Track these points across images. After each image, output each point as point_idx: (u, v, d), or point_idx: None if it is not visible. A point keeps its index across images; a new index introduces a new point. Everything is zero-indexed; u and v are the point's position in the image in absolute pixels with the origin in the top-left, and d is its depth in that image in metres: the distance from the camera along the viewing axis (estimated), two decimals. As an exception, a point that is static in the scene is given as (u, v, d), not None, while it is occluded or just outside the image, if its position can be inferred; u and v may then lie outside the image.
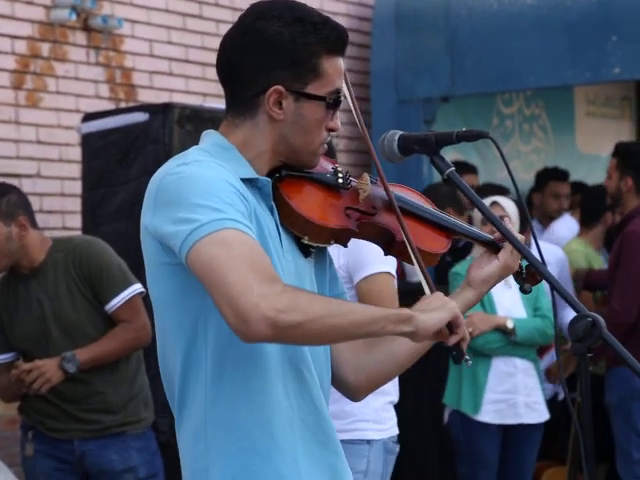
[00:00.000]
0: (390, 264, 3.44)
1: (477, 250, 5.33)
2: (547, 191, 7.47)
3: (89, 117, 5.39)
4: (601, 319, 2.06)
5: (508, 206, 5.27)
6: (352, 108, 2.32)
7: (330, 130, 2.27)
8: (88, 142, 5.31)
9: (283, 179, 2.27)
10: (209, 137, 2.28)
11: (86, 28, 6.12)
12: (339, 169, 2.34)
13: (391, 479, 3.71)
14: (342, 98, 2.26)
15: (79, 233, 5.37)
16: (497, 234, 2.40)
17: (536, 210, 7.61)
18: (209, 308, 2.10)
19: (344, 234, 2.29)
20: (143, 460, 4.29)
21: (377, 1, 7.81)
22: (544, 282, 2.22)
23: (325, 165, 2.34)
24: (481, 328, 5.20)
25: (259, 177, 2.23)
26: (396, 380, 3.62)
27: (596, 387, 5.58)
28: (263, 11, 2.23)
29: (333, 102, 2.24)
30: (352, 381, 2.37)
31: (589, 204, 6.71)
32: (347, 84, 2.30)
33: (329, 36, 2.21)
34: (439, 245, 2.38)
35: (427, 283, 2.23)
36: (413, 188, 2.46)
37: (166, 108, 5.11)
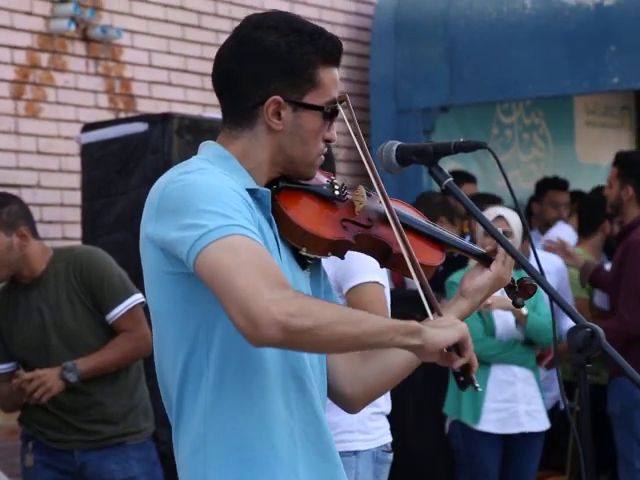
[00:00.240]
0: (380, 274, 3.41)
1: (472, 262, 5.33)
2: (546, 200, 7.48)
3: (88, 127, 5.39)
4: (600, 329, 2.06)
5: (512, 219, 5.26)
6: (350, 129, 2.32)
7: (327, 141, 2.28)
8: (88, 152, 5.32)
9: (280, 191, 2.28)
10: (208, 148, 2.28)
11: (85, 38, 6.13)
12: (335, 181, 2.35)
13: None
14: (338, 108, 2.27)
15: (79, 243, 5.38)
16: (489, 248, 2.41)
17: (535, 219, 7.61)
18: (212, 316, 2.10)
19: (341, 246, 2.29)
20: (143, 470, 4.28)
21: (376, 11, 7.82)
22: (542, 290, 2.22)
23: (320, 178, 2.35)
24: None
25: (259, 188, 2.23)
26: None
27: (598, 397, 5.59)
28: (259, 22, 2.24)
29: (330, 112, 2.25)
30: (349, 393, 2.37)
31: (587, 213, 6.71)
32: (349, 106, 2.30)
33: (325, 46, 2.23)
34: (434, 258, 2.39)
35: (425, 294, 2.22)
36: (411, 198, 2.46)
37: (165, 118, 5.12)
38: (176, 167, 2.20)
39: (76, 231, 5.63)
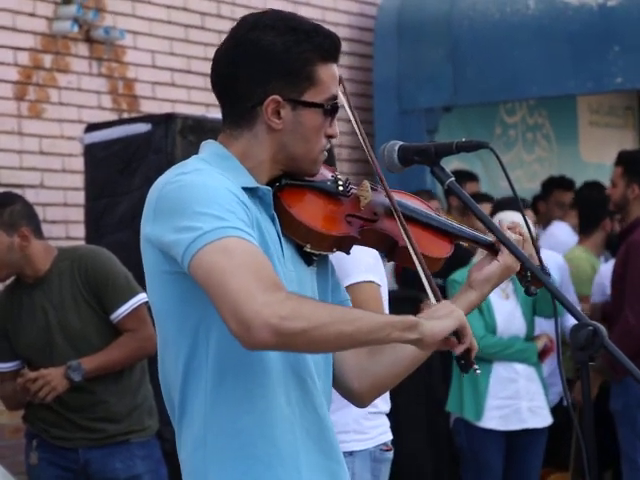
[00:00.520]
0: (376, 273, 3.38)
1: (478, 256, 5.34)
2: (552, 199, 7.48)
3: (92, 128, 5.40)
4: (602, 328, 2.06)
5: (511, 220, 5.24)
6: (350, 115, 2.32)
7: (329, 137, 2.28)
8: (91, 152, 5.32)
9: (283, 188, 2.27)
10: (208, 147, 2.29)
11: (88, 39, 6.13)
12: (339, 177, 2.34)
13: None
14: (339, 105, 2.27)
15: (83, 243, 5.38)
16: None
17: (541, 218, 7.60)
18: (211, 316, 2.10)
19: (346, 241, 2.29)
20: (147, 468, 4.29)
21: (379, 12, 7.83)
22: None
23: (325, 173, 2.34)
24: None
25: (259, 186, 2.23)
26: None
27: (601, 394, 5.59)
28: (256, 22, 2.23)
29: (330, 109, 2.25)
30: (356, 387, 2.37)
31: (587, 210, 6.69)
32: (346, 94, 2.31)
33: (322, 44, 2.22)
34: (442, 250, 2.38)
35: (431, 288, 2.22)
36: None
37: (168, 119, 5.12)
38: (174, 167, 2.20)
39: (79, 231, 5.64)
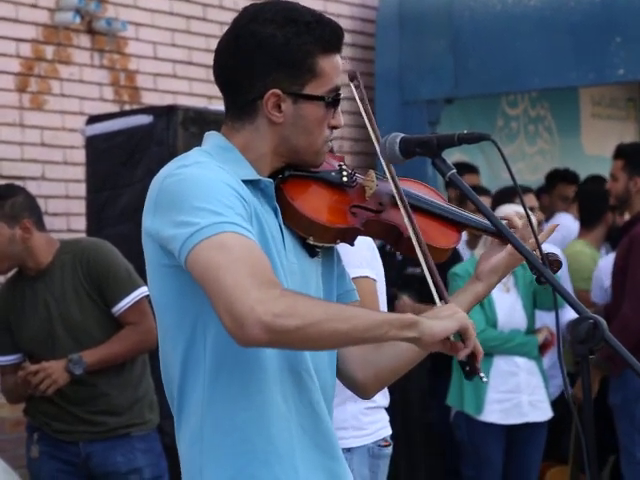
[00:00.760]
0: (372, 267, 3.33)
1: (479, 249, 5.34)
2: (555, 193, 7.45)
3: (93, 119, 5.40)
4: (603, 321, 2.06)
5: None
6: (360, 106, 2.31)
7: (333, 127, 2.26)
8: (92, 144, 5.32)
9: (287, 179, 2.26)
10: (211, 138, 2.28)
11: (90, 31, 6.13)
12: (344, 167, 2.32)
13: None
14: (342, 95, 2.26)
15: (84, 235, 5.38)
16: (506, 223, 2.39)
17: (543, 211, 7.58)
18: (208, 311, 2.10)
19: (350, 233, 2.27)
20: (148, 462, 4.30)
21: (381, 3, 7.82)
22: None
23: (332, 162, 2.32)
24: None
25: (261, 178, 2.22)
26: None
27: (602, 389, 5.59)
28: (255, 14, 2.22)
29: (332, 101, 2.23)
30: (360, 378, 2.36)
31: (589, 204, 6.67)
32: (359, 82, 2.29)
33: (323, 35, 2.20)
34: (449, 240, 2.36)
35: (433, 281, 2.20)
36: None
37: (170, 110, 5.12)
38: (175, 160, 2.20)
39: (81, 223, 5.64)
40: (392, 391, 3.46)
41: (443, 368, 5.54)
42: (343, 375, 2.36)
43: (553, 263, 2.33)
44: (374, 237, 2.33)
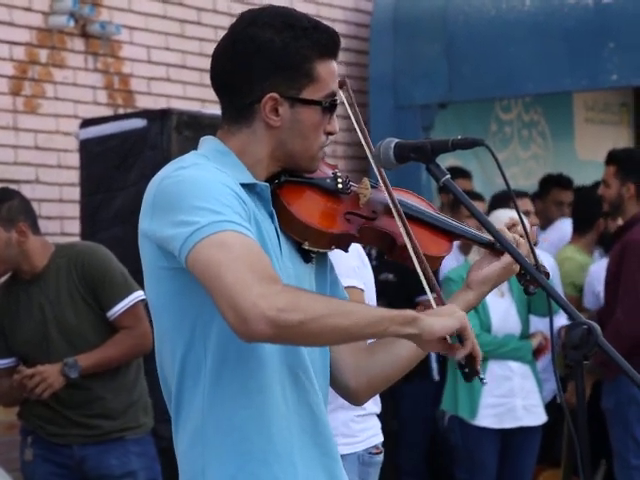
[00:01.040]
0: (359, 277, 3.32)
1: (473, 255, 5.34)
2: (549, 198, 7.45)
3: (87, 123, 5.40)
4: (597, 326, 2.06)
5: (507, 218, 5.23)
6: (351, 113, 2.32)
7: (328, 133, 2.27)
8: (86, 148, 5.32)
9: (283, 185, 2.27)
10: (207, 143, 2.29)
11: (84, 34, 6.13)
12: (339, 174, 2.34)
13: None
14: (338, 101, 2.27)
15: (78, 239, 5.38)
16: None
17: (537, 216, 7.59)
18: (208, 311, 2.11)
19: (344, 239, 2.29)
20: (142, 465, 4.30)
21: (375, 7, 7.82)
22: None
23: (325, 170, 2.34)
24: None
25: (257, 182, 2.23)
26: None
27: (595, 393, 5.60)
28: (253, 19, 2.23)
29: (329, 106, 2.24)
30: (353, 385, 2.37)
31: (582, 210, 6.69)
32: (348, 90, 2.31)
33: (320, 40, 2.22)
34: (440, 248, 2.38)
35: (429, 286, 2.22)
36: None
37: (164, 114, 5.12)
38: (172, 162, 2.21)
39: (75, 227, 5.63)
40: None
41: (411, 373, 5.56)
42: (336, 382, 2.37)
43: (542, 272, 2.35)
44: (368, 244, 2.35)
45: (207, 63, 2.32)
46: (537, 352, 5.54)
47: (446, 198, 6.63)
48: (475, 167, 7.82)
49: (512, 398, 5.40)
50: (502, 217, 5.13)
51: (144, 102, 6.35)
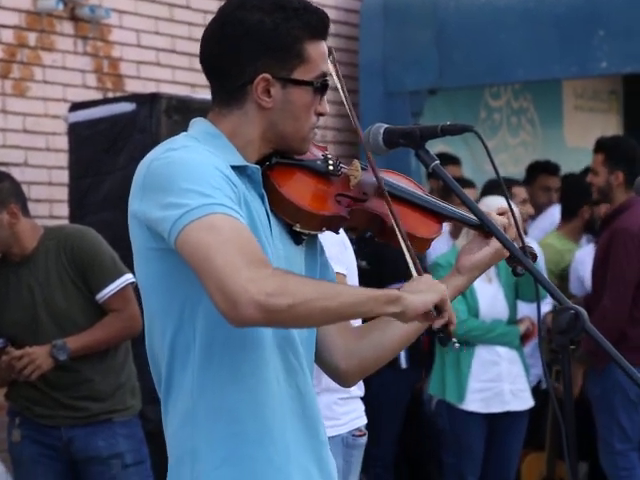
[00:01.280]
0: (341, 262, 3.33)
1: (461, 240, 5.35)
2: (537, 184, 7.47)
3: (76, 107, 5.39)
4: (584, 311, 2.07)
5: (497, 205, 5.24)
6: (340, 89, 2.33)
7: (319, 114, 2.28)
8: (75, 131, 5.32)
9: (274, 166, 2.27)
10: (197, 124, 2.29)
11: (73, 18, 6.11)
12: (329, 156, 2.34)
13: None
14: (329, 81, 2.27)
15: (66, 222, 5.38)
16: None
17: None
18: (197, 293, 2.11)
19: (335, 221, 2.29)
20: (130, 447, 4.31)
21: (365, -7, 7.81)
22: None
23: (315, 152, 2.34)
24: None
25: (248, 164, 2.23)
26: None
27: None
28: (242, 2, 2.23)
29: (320, 86, 2.25)
30: (343, 367, 2.38)
31: (569, 197, 6.72)
32: (337, 72, 2.31)
33: (311, 21, 2.23)
34: (430, 230, 2.38)
35: (415, 266, 2.23)
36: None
37: (153, 98, 5.12)
38: (162, 144, 2.21)
39: (63, 210, 5.63)
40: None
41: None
42: (325, 364, 2.38)
43: (530, 256, 2.36)
44: (359, 226, 2.35)
45: (196, 47, 2.32)
46: (524, 337, 5.56)
47: (436, 184, 6.63)
48: (464, 154, 7.82)
49: (499, 383, 5.42)
50: (492, 204, 5.13)
51: (133, 86, 6.34)
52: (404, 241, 2.25)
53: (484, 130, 8.58)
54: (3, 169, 5.14)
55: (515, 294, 5.49)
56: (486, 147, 2.23)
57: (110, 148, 5.13)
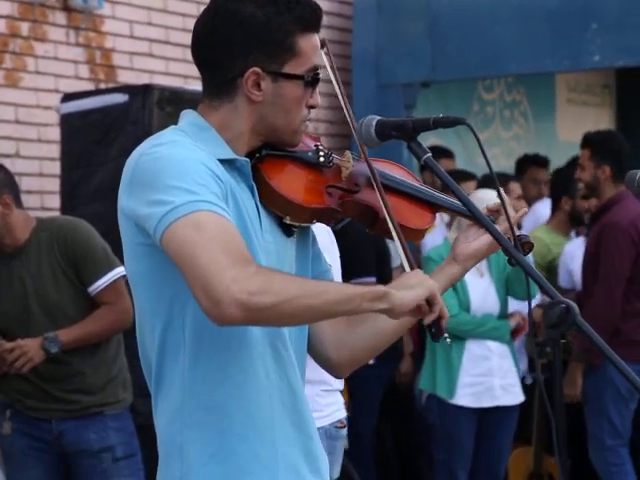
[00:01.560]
0: (328, 253, 3.36)
1: (452, 233, 5.35)
2: (526, 177, 7.49)
3: (68, 97, 5.38)
4: (575, 305, 2.07)
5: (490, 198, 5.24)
6: (334, 81, 2.32)
7: (310, 107, 2.27)
8: (67, 122, 5.30)
9: (264, 159, 2.26)
10: (187, 117, 2.28)
11: (66, 8, 6.09)
12: (321, 147, 2.33)
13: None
14: (320, 75, 2.26)
15: (58, 213, 5.36)
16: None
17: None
18: (185, 288, 2.10)
19: (326, 213, 2.28)
20: (121, 440, 4.30)
21: (359, -15, 7.81)
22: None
23: (308, 143, 2.33)
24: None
25: (237, 157, 2.22)
26: None
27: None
28: None
29: (311, 80, 2.24)
30: (335, 358, 2.38)
31: (554, 190, 6.75)
32: (331, 65, 2.30)
33: (303, 14, 2.21)
34: (423, 221, 2.37)
35: (407, 260, 2.22)
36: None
37: (146, 90, 5.10)
38: (150, 138, 2.20)
39: (55, 201, 5.61)
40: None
41: None
42: (318, 355, 2.38)
43: (525, 244, 2.35)
44: (351, 217, 2.34)
45: (190, 39, 2.31)
46: (515, 332, 5.56)
47: (429, 177, 6.64)
48: (457, 147, 7.82)
49: (490, 377, 5.42)
50: (484, 197, 5.13)
51: (126, 77, 6.32)
52: (397, 234, 2.24)
53: (477, 123, 8.58)
54: (-6, 160, 5.13)
55: (506, 289, 5.50)
56: (478, 140, 2.23)
57: (102, 139, 5.12)
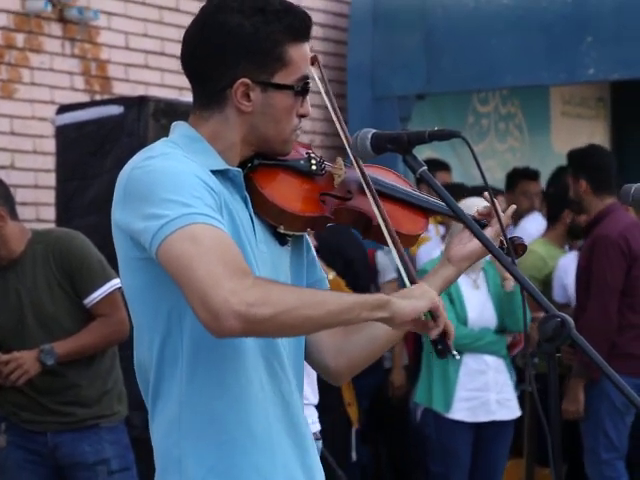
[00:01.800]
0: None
1: (450, 236, 5.35)
2: (517, 190, 7.50)
3: (64, 109, 5.37)
4: (570, 319, 2.07)
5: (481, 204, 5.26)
6: (325, 96, 2.32)
7: (301, 116, 2.27)
8: (62, 134, 5.30)
9: (256, 168, 2.26)
10: (178, 128, 2.27)
11: (62, 19, 6.09)
12: (312, 155, 2.33)
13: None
14: (310, 84, 2.25)
15: (53, 225, 5.36)
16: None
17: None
18: (184, 303, 2.09)
19: (320, 221, 2.28)
20: (116, 453, 4.29)
21: (354, -3, 7.82)
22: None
23: (299, 150, 2.33)
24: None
25: (230, 168, 2.22)
26: (314, 383, 3.61)
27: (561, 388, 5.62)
28: (222, 4, 2.21)
29: (301, 89, 2.24)
30: (332, 366, 2.38)
31: (551, 203, 6.76)
32: (322, 74, 2.30)
33: (292, 23, 2.21)
34: (417, 226, 2.37)
35: (404, 267, 2.21)
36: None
37: (141, 101, 5.11)
38: (142, 151, 2.19)
39: (50, 213, 5.61)
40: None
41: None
42: (316, 363, 2.38)
43: (518, 246, 2.35)
44: (344, 224, 2.34)
45: (185, 50, 2.31)
46: (511, 346, 5.56)
47: (425, 190, 6.64)
48: (452, 159, 7.83)
49: (486, 392, 5.41)
50: (474, 203, 5.15)
51: (121, 89, 6.32)
52: (393, 240, 2.23)
53: (472, 136, 8.59)
54: (-11, 171, 5.13)
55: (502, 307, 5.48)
56: (473, 153, 2.22)
57: (97, 151, 5.11)
